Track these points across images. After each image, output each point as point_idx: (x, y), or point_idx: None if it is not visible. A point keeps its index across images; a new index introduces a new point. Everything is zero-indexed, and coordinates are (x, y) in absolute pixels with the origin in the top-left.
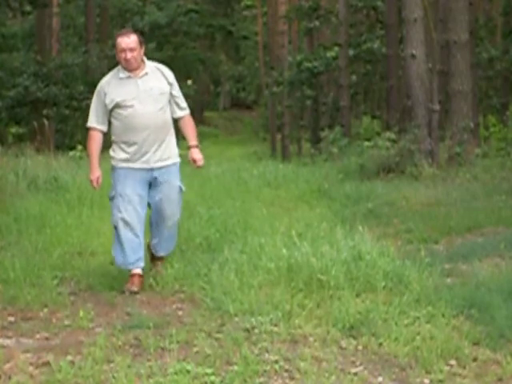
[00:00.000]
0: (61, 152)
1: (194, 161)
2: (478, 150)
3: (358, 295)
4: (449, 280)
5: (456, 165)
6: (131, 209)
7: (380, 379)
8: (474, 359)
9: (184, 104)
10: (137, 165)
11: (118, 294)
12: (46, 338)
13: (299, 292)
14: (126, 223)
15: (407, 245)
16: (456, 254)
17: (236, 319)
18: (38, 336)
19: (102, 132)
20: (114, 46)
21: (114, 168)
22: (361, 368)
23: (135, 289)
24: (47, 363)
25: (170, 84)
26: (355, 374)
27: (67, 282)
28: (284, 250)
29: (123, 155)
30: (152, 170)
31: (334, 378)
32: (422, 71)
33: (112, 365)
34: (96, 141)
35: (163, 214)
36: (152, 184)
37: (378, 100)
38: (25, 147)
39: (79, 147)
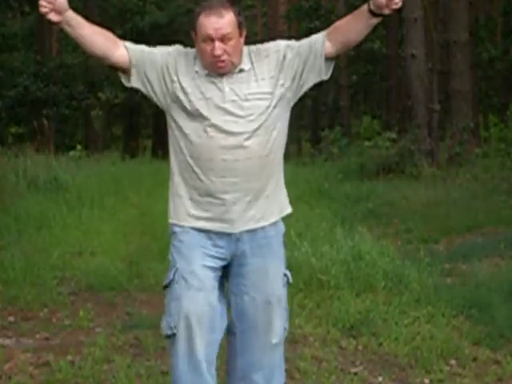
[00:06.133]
0: (61, 152)
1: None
2: (478, 150)
3: (357, 295)
4: (449, 280)
5: (456, 165)
6: (202, 299)
7: (380, 379)
8: (474, 359)
9: (316, 39)
10: (215, 225)
11: (117, 294)
12: (46, 338)
13: (299, 292)
14: (190, 327)
15: (407, 245)
16: (456, 254)
17: None
18: (38, 336)
19: (123, 44)
20: (192, 27)
21: (172, 233)
22: (361, 368)
23: None
24: (47, 363)
25: (282, 61)
26: (355, 373)
27: (67, 282)
28: None
29: (188, 208)
30: (238, 238)
31: (333, 377)
32: (422, 71)
33: (112, 365)
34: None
35: (255, 325)
36: (233, 264)
37: (378, 100)
38: (25, 147)
39: (79, 147)
